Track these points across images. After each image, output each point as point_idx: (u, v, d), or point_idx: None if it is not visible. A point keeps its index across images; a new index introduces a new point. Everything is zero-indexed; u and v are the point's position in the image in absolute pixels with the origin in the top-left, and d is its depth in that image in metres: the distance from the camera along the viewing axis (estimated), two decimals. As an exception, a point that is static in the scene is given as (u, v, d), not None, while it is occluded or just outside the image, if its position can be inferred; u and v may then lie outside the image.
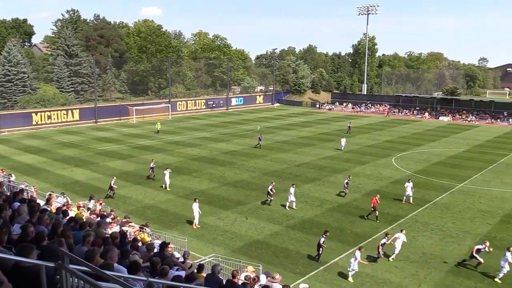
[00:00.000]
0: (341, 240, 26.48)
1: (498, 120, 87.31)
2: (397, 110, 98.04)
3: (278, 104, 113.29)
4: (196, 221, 28.68)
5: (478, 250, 22.43)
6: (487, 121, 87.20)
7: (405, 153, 53.10)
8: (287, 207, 32.09)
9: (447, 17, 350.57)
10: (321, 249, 23.22)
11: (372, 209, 29.75)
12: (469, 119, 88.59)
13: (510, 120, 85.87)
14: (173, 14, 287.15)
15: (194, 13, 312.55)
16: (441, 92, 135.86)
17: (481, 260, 22.24)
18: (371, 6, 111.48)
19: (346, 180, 35.51)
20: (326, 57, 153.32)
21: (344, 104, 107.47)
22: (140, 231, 22.84)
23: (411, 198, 33.38)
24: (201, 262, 16.02)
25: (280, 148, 54.86)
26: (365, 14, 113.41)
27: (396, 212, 31.39)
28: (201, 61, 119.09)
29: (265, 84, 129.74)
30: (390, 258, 23.64)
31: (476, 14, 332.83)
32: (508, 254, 21.35)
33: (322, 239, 23.23)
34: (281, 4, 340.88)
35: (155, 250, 15.43)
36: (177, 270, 12.56)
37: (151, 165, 39.87)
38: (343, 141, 54.35)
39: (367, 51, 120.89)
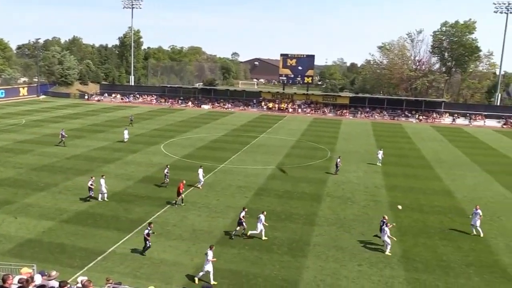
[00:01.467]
0: (117, 227, 25.90)
1: (249, 106, 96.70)
2: (163, 100, 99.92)
3: (44, 96, 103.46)
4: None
5: (241, 221, 24.90)
6: (241, 108, 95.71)
7: (173, 139, 54.70)
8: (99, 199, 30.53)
9: (205, 15, 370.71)
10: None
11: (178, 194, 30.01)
12: (226, 107, 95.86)
13: (259, 106, 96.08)
14: None
15: None
16: (201, 83, 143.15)
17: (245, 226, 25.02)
18: (135, 0, 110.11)
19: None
20: (93, 49, 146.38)
21: (113, 95, 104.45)
22: None
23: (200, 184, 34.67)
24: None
25: (49, 141, 50.38)
26: (130, 7, 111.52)
27: (169, 196, 32.04)
28: None
29: (29, 76, 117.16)
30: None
31: (229, 14, 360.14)
32: (261, 216, 25.09)
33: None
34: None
35: None
36: None
37: None
38: (126, 132, 52.13)
39: (132, 43, 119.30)
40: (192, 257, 22.44)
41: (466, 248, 25.20)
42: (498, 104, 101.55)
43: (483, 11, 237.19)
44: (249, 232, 25.01)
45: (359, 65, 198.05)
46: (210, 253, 20.15)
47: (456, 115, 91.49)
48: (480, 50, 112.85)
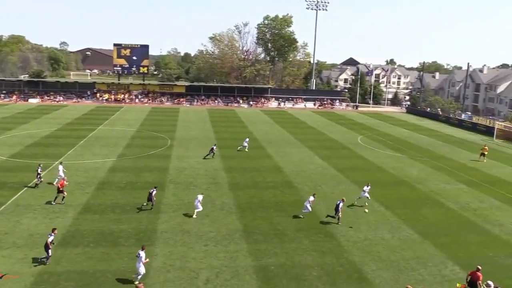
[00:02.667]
0: None
1: (84, 98, 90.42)
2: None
3: None
4: None
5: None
6: (74, 100, 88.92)
7: (-2, 138, 48.35)
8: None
9: (28, 1, 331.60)
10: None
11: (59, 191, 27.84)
12: (57, 100, 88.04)
13: (94, 98, 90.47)
14: None
15: None
16: (27, 75, 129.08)
17: None
18: None
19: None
20: None
21: None
22: None
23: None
24: None
25: None
26: None
27: (-4, 200, 28.25)
28: None
29: None
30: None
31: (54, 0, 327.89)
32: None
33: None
34: None
35: None
36: None
37: None
38: None
39: None
40: (30, 265, 20.10)
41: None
42: (314, 88, 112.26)
43: (298, 6, 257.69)
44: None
45: (192, 55, 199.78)
46: (142, 254, 18.92)
47: (281, 99, 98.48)
48: (297, 42, 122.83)
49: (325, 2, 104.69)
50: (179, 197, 30.25)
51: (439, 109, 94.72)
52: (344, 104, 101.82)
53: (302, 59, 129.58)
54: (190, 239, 23.43)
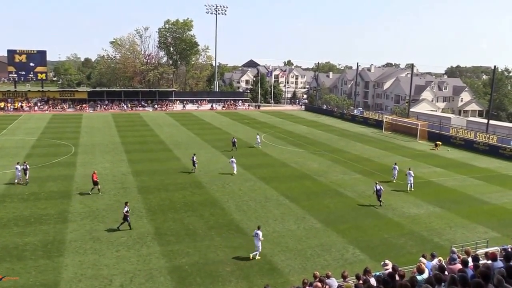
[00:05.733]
0: None
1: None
2: None
3: None
4: None
5: None
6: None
7: None
8: None
9: None
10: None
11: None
12: None
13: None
14: None
15: None
16: None
17: None
18: None
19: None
20: None
21: None
22: None
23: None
24: None
25: None
26: None
27: None
28: None
29: None
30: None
31: None
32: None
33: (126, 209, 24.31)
34: None
35: None
36: None
37: None
38: None
39: None
40: None
41: (207, 214, 27.62)
42: (217, 90, 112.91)
43: (199, 11, 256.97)
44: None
45: (93, 60, 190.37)
46: (259, 232, 21.35)
47: (185, 102, 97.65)
48: (198, 45, 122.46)
49: (224, 7, 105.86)
50: (86, 205, 28.81)
51: (335, 107, 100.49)
52: (246, 104, 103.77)
53: (204, 62, 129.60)
54: (101, 246, 22.51)
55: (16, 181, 32.91)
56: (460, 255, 13.69)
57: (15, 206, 28.26)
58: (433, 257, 14.16)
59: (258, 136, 51.61)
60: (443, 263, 12.25)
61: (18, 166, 33.37)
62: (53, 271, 19.71)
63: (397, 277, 10.40)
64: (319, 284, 12.16)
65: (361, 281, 11.67)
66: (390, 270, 11.91)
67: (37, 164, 39.72)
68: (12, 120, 69.94)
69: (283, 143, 54.44)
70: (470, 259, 11.88)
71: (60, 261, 20.57)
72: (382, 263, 14.33)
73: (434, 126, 63.90)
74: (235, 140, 49.96)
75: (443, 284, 8.49)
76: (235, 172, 37.47)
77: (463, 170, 41.92)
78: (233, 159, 38.12)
